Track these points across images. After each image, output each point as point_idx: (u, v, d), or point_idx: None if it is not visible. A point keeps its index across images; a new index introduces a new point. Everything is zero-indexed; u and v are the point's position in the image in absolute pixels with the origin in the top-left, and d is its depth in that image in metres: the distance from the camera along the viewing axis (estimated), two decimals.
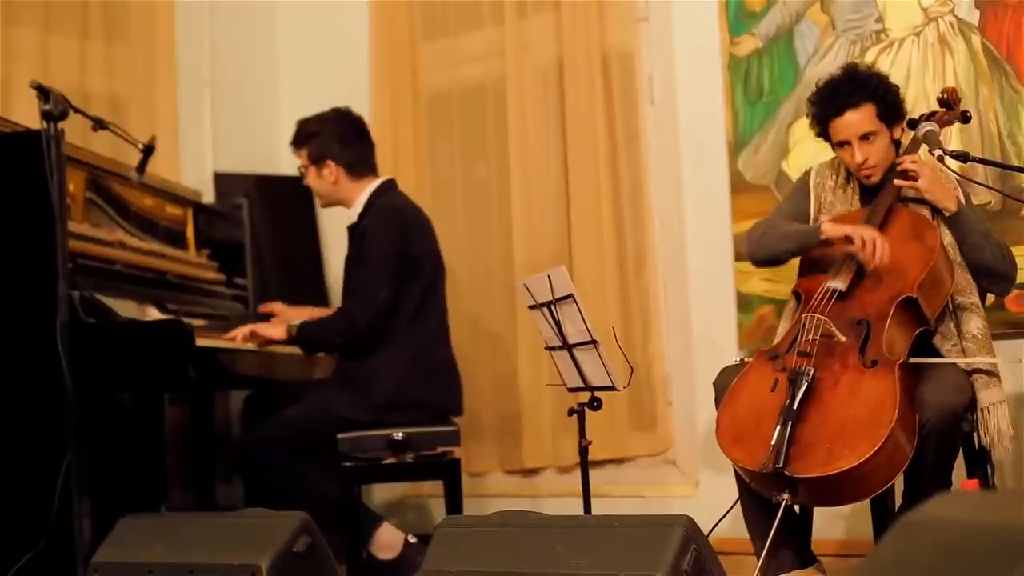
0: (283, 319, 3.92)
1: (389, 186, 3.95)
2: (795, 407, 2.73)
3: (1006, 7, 3.63)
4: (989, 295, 3.20)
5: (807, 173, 3.28)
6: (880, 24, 3.84)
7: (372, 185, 3.90)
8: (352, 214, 3.90)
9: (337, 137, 3.89)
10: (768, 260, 3.23)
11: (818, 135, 3.17)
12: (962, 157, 2.96)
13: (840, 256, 3.00)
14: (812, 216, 3.19)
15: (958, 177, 3.12)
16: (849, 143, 3.05)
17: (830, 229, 3.00)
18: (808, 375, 2.78)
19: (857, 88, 3.04)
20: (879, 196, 3.06)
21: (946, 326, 3.00)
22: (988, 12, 3.66)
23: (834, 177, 3.19)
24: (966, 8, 3.69)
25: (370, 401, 3.71)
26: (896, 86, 3.12)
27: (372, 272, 3.75)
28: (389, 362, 3.75)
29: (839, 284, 2.95)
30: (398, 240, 3.79)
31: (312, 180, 3.93)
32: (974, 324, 2.97)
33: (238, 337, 3.71)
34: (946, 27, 3.73)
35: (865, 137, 3.04)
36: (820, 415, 2.75)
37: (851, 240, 2.93)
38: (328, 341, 3.85)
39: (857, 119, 3.03)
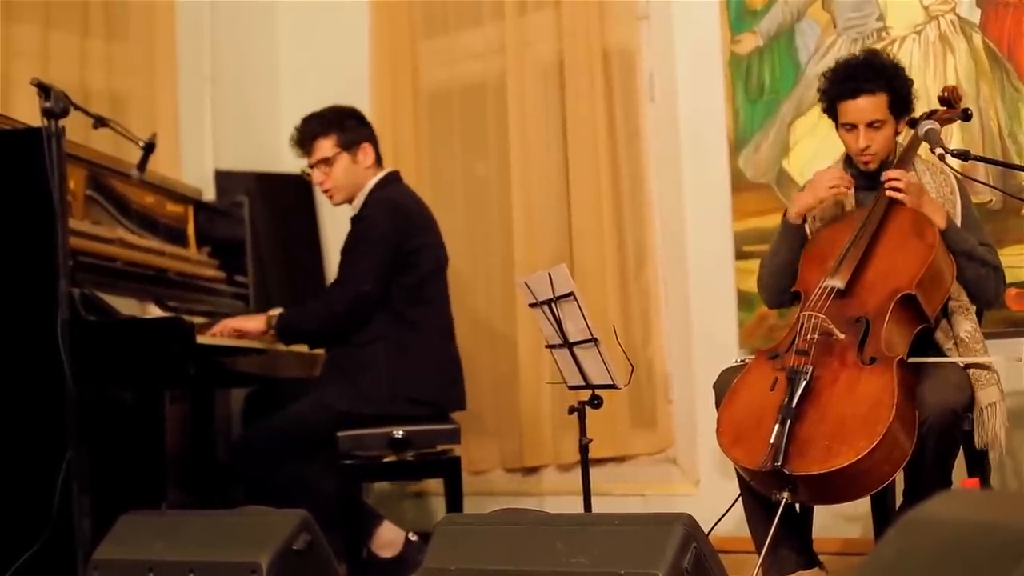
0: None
1: (393, 178, 3.91)
2: (793, 405, 2.73)
3: (1007, 6, 3.62)
4: None
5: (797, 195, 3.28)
6: (881, 22, 3.84)
7: (377, 176, 3.88)
8: (356, 204, 3.87)
9: (364, 122, 3.88)
10: (779, 289, 3.19)
11: (824, 110, 3.16)
12: (963, 155, 2.95)
13: (839, 254, 3.00)
14: (808, 232, 3.17)
15: (958, 176, 3.12)
16: (855, 127, 3.05)
17: (792, 209, 3.11)
18: (806, 373, 2.78)
19: (876, 75, 3.03)
20: (876, 198, 3.05)
21: (944, 328, 3.00)
22: (989, 10, 3.65)
23: None
24: (967, 6, 3.69)
25: (365, 393, 3.69)
26: (911, 80, 3.11)
27: (359, 263, 3.73)
28: (379, 353, 3.71)
29: (837, 282, 2.94)
30: (393, 234, 3.74)
31: (341, 169, 3.81)
32: (963, 327, 2.96)
33: (218, 334, 3.68)
34: (947, 25, 3.72)
35: (872, 124, 3.04)
36: (819, 413, 2.75)
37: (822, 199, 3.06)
38: (306, 329, 3.80)
39: (869, 106, 3.02)
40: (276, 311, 3.82)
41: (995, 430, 2.85)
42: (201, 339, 3.57)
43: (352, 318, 3.71)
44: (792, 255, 3.10)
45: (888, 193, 2.99)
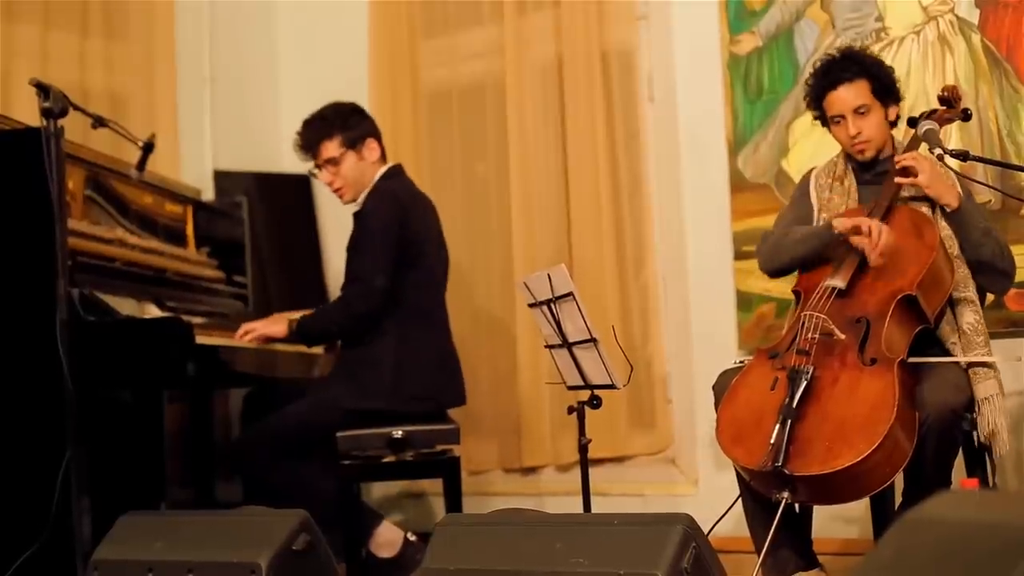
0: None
1: (395, 171, 3.91)
2: (794, 405, 2.73)
3: (1006, 6, 3.63)
4: (989, 293, 3.20)
5: (807, 176, 3.28)
6: (880, 23, 3.84)
7: (381, 170, 3.87)
8: (360, 200, 3.85)
9: (366, 117, 3.87)
10: (783, 268, 3.21)
11: (815, 118, 3.19)
12: (962, 156, 2.96)
13: (840, 254, 3.00)
14: (815, 218, 3.18)
15: (958, 175, 3.12)
16: (843, 117, 3.07)
17: (840, 223, 2.99)
18: (807, 373, 2.77)
19: (852, 64, 3.09)
20: (880, 192, 3.05)
21: (949, 320, 3.00)
22: (988, 11, 3.65)
23: (831, 173, 3.20)
24: (966, 7, 3.69)
25: (372, 390, 3.69)
26: (891, 67, 3.15)
27: (369, 259, 3.72)
28: (389, 349, 3.72)
29: (838, 282, 2.94)
30: (395, 224, 3.74)
31: (349, 167, 3.81)
32: (967, 319, 2.97)
33: (245, 339, 3.69)
34: (946, 26, 3.73)
35: (859, 111, 3.06)
36: (819, 413, 2.75)
37: (859, 230, 2.93)
38: (326, 330, 3.84)
39: (851, 93, 3.06)
40: (295, 315, 3.81)
41: (995, 423, 2.84)
42: (230, 342, 3.59)
43: (371, 315, 3.72)
44: (816, 254, 3.09)
45: (898, 179, 2.99)
